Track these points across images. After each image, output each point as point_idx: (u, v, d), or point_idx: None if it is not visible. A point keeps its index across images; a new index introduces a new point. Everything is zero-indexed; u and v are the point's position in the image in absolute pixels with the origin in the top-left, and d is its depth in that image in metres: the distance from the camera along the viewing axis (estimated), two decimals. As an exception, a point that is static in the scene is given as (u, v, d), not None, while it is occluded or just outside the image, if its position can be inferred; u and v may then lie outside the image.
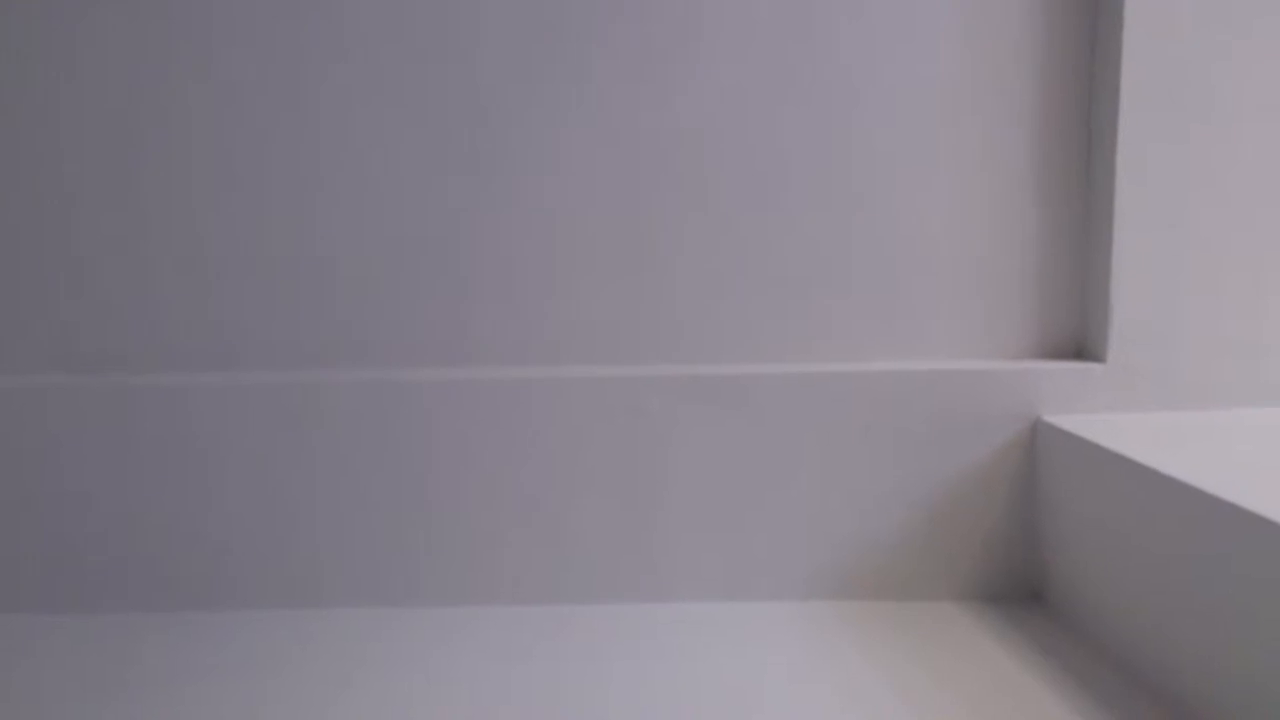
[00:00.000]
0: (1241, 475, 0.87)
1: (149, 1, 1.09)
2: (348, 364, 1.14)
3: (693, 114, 1.11)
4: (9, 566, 1.12)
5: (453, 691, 0.93)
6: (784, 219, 1.13)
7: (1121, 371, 1.10)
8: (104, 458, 1.11)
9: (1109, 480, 0.98)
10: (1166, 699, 0.89)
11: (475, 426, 1.11)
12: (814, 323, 1.14)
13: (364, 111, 1.11)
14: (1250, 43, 1.06)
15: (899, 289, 1.14)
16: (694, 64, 1.10)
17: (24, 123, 1.11)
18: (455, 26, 1.10)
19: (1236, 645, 0.81)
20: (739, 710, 0.89)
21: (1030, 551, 1.12)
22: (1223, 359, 1.10)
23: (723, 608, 1.11)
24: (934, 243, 1.13)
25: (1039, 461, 1.10)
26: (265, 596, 1.13)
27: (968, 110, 1.11)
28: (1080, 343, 1.15)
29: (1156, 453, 0.95)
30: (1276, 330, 1.10)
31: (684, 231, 1.13)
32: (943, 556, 1.12)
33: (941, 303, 1.14)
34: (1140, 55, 1.06)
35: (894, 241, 1.13)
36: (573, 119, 1.11)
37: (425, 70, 1.10)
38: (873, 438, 1.11)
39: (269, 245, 1.12)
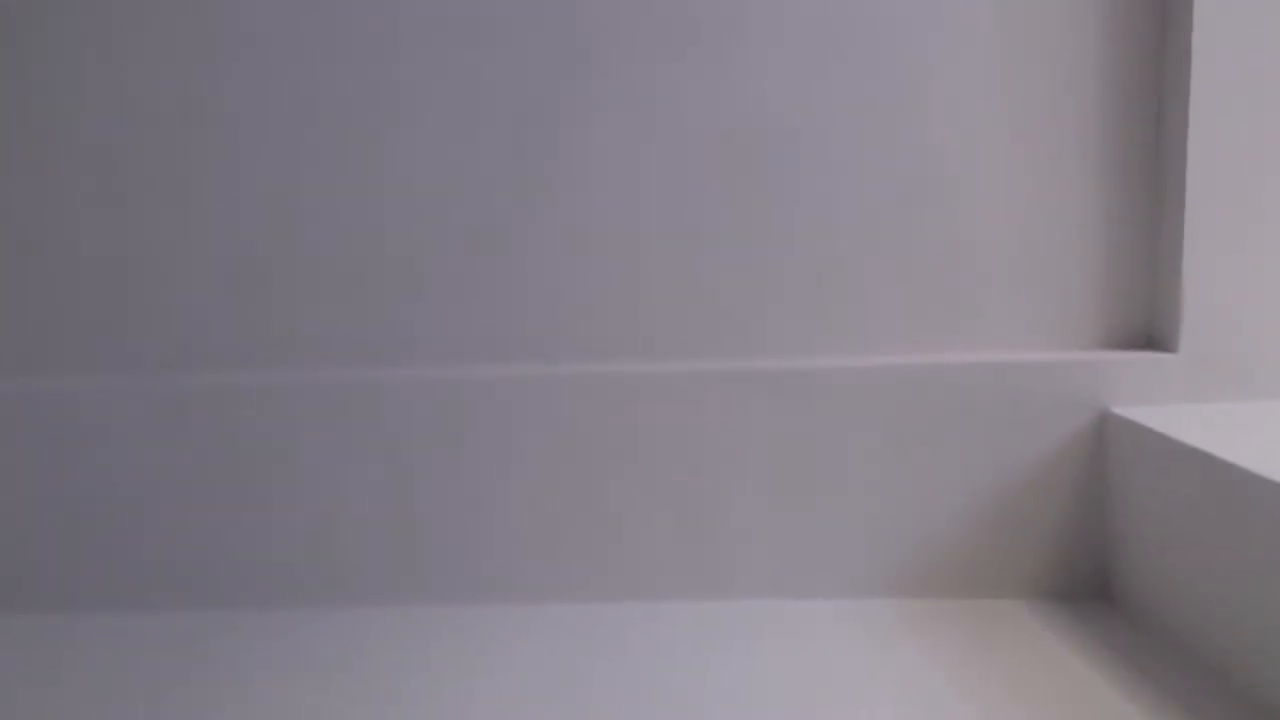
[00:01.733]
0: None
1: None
2: (396, 361, 1.15)
3: (747, 99, 1.10)
4: (62, 566, 1.15)
5: (506, 689, 0.94)
6: (846, 208, 1.11)
7: (1194, 361, 1.06)
8: (154, 457, 1.14)
9: (1180, 474, 0.94)
10: (1241, 700, 0.86)
11: (525, 423, 1.11)
12: (875, 314, 1.12)
13: (409, 109, 1.11)
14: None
15: (962, 278, 1.11)
16: (747, 48, 1.09)
17: (70, 125, 1.13)
18: (504, 17, 1.10)
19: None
20: (800, 709, 0.88)
21: (1098, 548, 1.09)
22: (1303, 347, 1.06)
23: (783, 605, 1.10)
24: (998, 230, 1.10)
25: (1108, 454, 1.07)
26: (317, 594, 1.14)
27: (1033, 95, 1.08)
28: (1151, 332, 1.11)
29: (1230, 444, 0.91)
30: (1359, 317, 1.06)
31: (738, 222, 1.12)
32: (1008, 553, 1.10)
33: (1007, 292, 1.11)
34: (1212, 36, 1.02)
35: (956, 229, 1.11)
36: (622, 112, 1.11)
37: (471, 65, 1.10)
38: (936, 431, 1.09)
39: (316, 245, 1.14)
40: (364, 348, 1.15)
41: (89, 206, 1.14)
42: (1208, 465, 0.90)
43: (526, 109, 1.11)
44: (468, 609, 1.12)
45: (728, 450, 1.10)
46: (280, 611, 1.13)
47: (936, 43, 1.08)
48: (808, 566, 1.11)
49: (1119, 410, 1.05)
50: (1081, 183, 1.09)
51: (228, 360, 1.16)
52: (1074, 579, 1.09)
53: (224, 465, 1.13)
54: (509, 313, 1.14)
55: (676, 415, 1.10)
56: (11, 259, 1.16)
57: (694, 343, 1.14)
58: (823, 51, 1.09)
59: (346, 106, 1.12)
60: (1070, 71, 1.08)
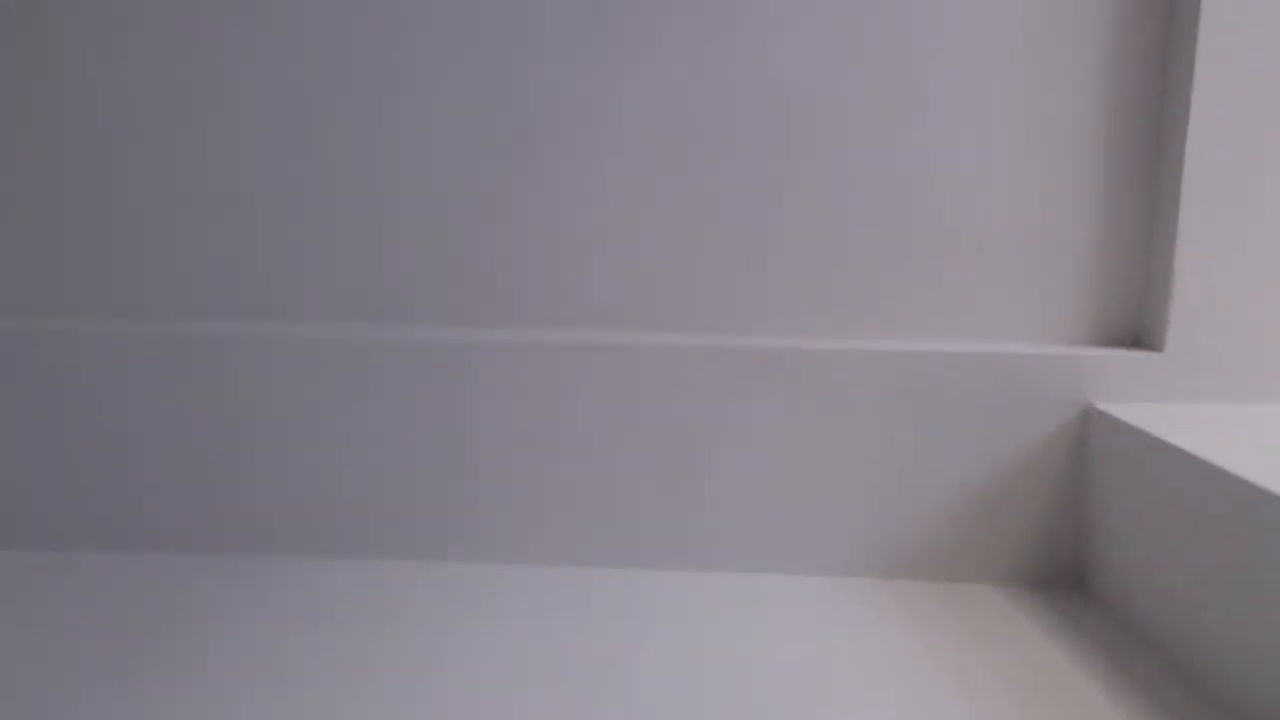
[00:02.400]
0: (1296, 470, 0.86)
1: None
2: (393, 320, 1.17)
3: (759, 79, 1.11)
4: (52, 504, 1.17)
5: (485, 647, 0.96)
6: (844, 193, 1.12)
7: (1179, 361, 1.08)
8: (150, 402, 1.15)
9: (1159, 470, 0.97)
10: (1206, 693, 0.88)
11: (525, 388, 1.13)
12: (871, 298, 1.14)
13: (421, 70, 1.12)
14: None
15: (957, 268, 1.13)
16: (762, 28, 1.10)
17: (73, 70, 1.14)
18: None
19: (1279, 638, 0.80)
20: (777, 681, 0.90)
21: (1076, 538, 1.11)
22: (1286, 352, 1.08)
23: (767, 580, 1.12)
24: (995, 224, 1.12)
25: (1089, 448, 1.09)
26: (306, 545, 1.16)
27: (1035, 89, 1.10)
28: (1139, 331, 1.13)
29: (1209, 444, 0.93)
30: (1344, 325, 1.08)
31: (741, 199, 1.13)
32: (988, 540, 1.12)
33: (1000, 284, 1.13)
34: (1217, 44, 1.03)
35: (955, 221, 1.12)
36: (636, 83, 1.12)
37: (483, 31, 1.11)
38: (923, 417, 1.11)
39: (320, 201, 1.15)
40: (362, 306, 1.17)
41: (101, 152, 1.15)
42: (1186, 463, 0.92)
43: (537, 75, 1.12)
44: (451, 566, 1.14)
45: (721, 424, 1.12)
46: (265, 558, 1.15)
47: (946, 38, 1.09)
48: (794, 543, 1.14)
49: (1103, 406, 1.08)
50: (1079, 182, 1.11)
51: (228, 311, 1.18)
52: (1051, 568, 1.12)
53: (218, 415, 1.15)
54: (509, 278, 1.16)
55: (673, 387, 1.12)
56: (22, 200, 1.16)
57: (692, 317, 1.16)
58: (837, 37, 1.10)
59: (358, 63, 1.13)
60: (1076, 73, 1.09)
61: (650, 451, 1.13)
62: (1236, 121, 1.05)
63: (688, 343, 1.12)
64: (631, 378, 1.12)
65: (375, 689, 0.88)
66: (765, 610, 1.05)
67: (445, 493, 1.15)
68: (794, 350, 1.11)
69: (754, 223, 1.13)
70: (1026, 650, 0.97)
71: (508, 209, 1.14)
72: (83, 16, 1.13)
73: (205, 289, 1.17)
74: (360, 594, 1.07)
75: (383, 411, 1.14)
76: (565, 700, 0.86)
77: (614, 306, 1.16)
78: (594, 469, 1.14)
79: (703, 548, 1.14)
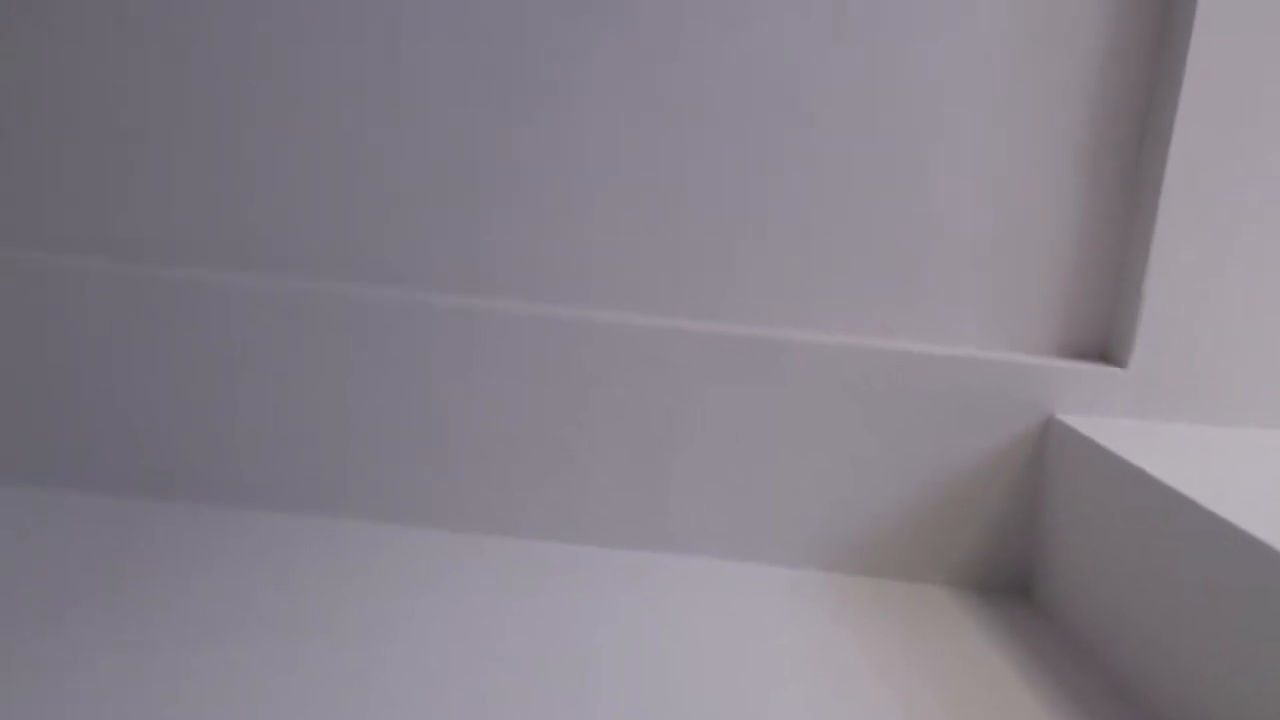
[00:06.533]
0: (1240, 495, 0.87)
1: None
2: (370, 281, 1.17)
3: (741, 71, 1.11)
4: (11, 439, 1.16)
5: (442, 613, 0.96)
6: (824, 188, 1.13)
7: (1142, 378, 1.09)
8: (131, 345, 1.14)
9: (1111, 484, 0.98)
10: (1139, 705, 0.90)
11: (502, 357, 1.13)
12: (842, 293, 1.15)
13: (410, 37, 1.12)
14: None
15: (930, 270, 1.14)
16: (745, 22, 1.10)
17: (58, 5, 1.13)
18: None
19: (1215, 659, 0.81)
20: (713, 665, 0.91)
21: (1026, 546, 1.12)
22: (1248, 377, 1.09)
23: (720, 565, 1.13)
24: (971, 227, 1.13)
25: (1047, 458, 1.10)
26: (274, 498, 1.16)
27: (1023, 98, 1.10)
28: (1105, 346, 1.14)
29: (1162, 463, 0.94)
30: (1309, 356, 1.09)
31: (720, 186, 1.13)
32: (939, 541, 1.13)
33: (971, 288, 1.14)
34: (1205, 63, 1.04)
35: (932, 221, 1.13)
36: (618, 63, 1.12)
37: (471, 7, 1.11)
38: (887, 415, 1.12)
39: (309, 155, 1.14)
40: (339, 264, 1.16)
41: (86, 91, 1.14)
42: (1135, 478, 0.93)
43: (524, 51, 1.12)
44: (419, 531, 1.14)
45: (685, 408, 1.13)
46: (226, 510, 1.15)
47: (931, 40, 1.10)
48: (748, 530, 1.14)
49: (1063, 417, 1.09)
50: (1058, 193, 1.12)
51: (210, 258, 1.17)
52: (1000, 574, 1.13)
53: (187, 362, 1.14)
54: (482, 249, 1.15)
55: (639, 368, 1.12)
56: (22, 132, 1.16)
57: (661, 299, 1.16)
58: (822, 33, 1.10)
59: (350, 22, 1.12)
60: (1062, 84, 1.10)
61: (612, 430, 1.13)
62: (1218, 148, 1.06)
63: (654, 324, 1.12)
64: (605, 355, 1.12)
65: (320, 652, 0.87)
66: (712, 595, 1.05)
67: (413, 458, 1.15)
68: (761, 339, 1.11)
69: (727, 209, 1.13)
70: (962, 652, 0.97)
71: (486, 181, 1.14)
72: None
73: (186, 235, 1.16)
74: (323, 552, 1.06)
75: (360, 369, 1.14)
76: (493, 667, 0.87)
77: (584, 283, 1.16)
78: (556, 443, 1.14)
79: (656, 528, 1.14)
